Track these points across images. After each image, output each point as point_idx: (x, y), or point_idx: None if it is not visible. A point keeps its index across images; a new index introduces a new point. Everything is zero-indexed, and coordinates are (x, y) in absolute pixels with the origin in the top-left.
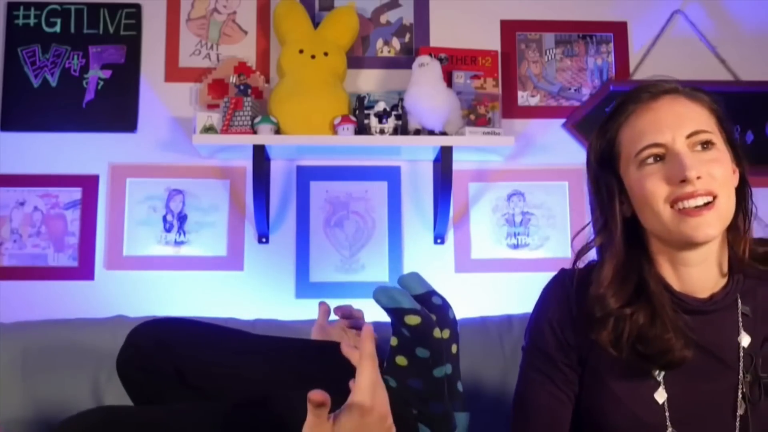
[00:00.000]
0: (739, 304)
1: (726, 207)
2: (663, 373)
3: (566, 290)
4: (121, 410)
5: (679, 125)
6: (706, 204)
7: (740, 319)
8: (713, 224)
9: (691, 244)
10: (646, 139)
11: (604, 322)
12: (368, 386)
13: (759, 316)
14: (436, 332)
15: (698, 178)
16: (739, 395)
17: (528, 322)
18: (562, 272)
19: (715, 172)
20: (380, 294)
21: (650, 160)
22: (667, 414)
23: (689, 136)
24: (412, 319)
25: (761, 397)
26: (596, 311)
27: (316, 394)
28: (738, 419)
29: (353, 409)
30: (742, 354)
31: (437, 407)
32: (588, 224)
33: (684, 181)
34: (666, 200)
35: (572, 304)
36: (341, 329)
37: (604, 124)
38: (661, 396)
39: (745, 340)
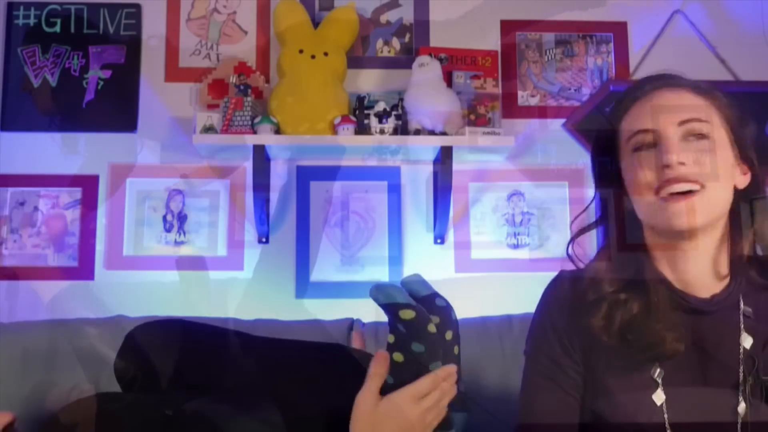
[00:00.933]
0: (741, 305)
1: (715, 199)
2: (662, 373)
3: (566, 291)
4: (118, 397)
5: (673, 112)
6: (691, 192)
7: (742, 319)
8: (697, 211)
9: (676, 233)
10: (638, 125)
11: (597, 307)
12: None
13: (762, 317)
14: (431, 327)
15: (681, 163)
16: (740, 397)
17: (530, 325)
18: (561, 273)
19: (705, 162)
20: (376, 291)
21: (641, 147)
22: (665, 416)
23: (681, 123)
24: (407, 314)
25: (763, 400)
26: (590, 294)
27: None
28: (739, 422)
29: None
30: (743, 356)
31: None
32: (585, 209)
33: (667, 166)
34: (651, 187)
35: (572, 304)
36: None
37: (610, 113)
38: (659, 397)
39: (747, 341)
